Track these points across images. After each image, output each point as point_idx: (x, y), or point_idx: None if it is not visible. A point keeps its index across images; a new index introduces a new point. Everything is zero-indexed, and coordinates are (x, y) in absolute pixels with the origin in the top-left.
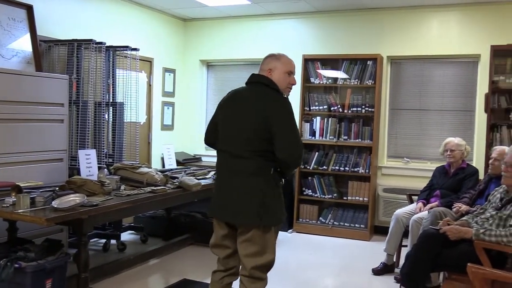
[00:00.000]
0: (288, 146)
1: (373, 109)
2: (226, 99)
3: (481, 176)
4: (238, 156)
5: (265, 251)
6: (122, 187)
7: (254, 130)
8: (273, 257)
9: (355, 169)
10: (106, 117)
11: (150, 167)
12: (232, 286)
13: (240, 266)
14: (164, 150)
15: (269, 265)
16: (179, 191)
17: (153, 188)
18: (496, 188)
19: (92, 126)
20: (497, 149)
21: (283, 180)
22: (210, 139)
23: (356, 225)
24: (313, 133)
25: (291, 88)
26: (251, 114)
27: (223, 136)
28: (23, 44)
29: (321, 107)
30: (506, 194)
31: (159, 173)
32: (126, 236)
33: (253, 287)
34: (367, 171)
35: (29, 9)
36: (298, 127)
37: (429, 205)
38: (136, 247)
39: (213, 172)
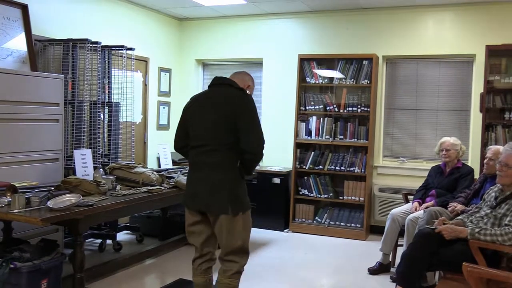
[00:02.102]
0: (253, 139)
1: (368, 109)
2: (193, 101)
3: (477, 175)
4: (210, 149)
5: (235, 237)
6: (118, 187)
7: (223, 125)
8: (242, 242)
9: (351, 169)
10: (102, 116)
11: (146, 167)
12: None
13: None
14: (160, 150)
15: (240, 250)
16: (175, 191)
17: (149, 188)
18: (491, 187)
19: (87, 126)
20: (492, 148)
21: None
22: (180, 143)
23: (352, 224)
24: (309, 133)
25: None
26: (220, 110)
27: (195, 133)
28: (18, 43)
29: (316, 107)
30: (501, 193)
31: (155, 173)
32: (122, 236)
33: (227, 269)
34: (362, 170)
35: (24, 8)
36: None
37: (424, 205)
38: (132, 247)
39: None
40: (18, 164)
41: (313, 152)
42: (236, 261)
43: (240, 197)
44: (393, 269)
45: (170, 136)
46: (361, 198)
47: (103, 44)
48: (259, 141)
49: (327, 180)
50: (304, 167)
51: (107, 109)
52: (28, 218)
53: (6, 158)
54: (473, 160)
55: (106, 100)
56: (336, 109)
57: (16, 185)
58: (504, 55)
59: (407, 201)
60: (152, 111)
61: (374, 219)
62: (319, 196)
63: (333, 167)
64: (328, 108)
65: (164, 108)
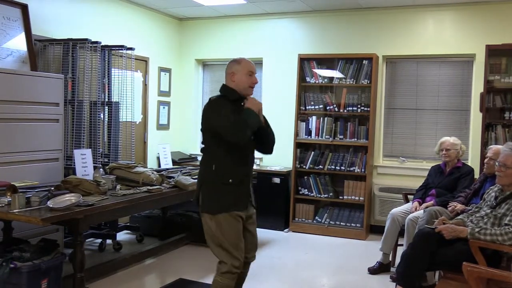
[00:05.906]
0: (223, 130)
1: (368, 109)
2: None
3: (477, 175)
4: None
5: (207, 236)
6: (118, 186)
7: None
8: (212, 243)
9: (351, 169)
10: (102, 116)
11: (146, 167)
12: None
13: None
14: (160, 150)
15: (216, 250)
16: (175, 191)
17: (148, 187)
18: (491, 187)
19: (87, 126)
20: (492, 148)
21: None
22: None
23: (352, 224)
24: (309, 133)
25: (253, 87)
26: None
27: None
28: (18, 43)
29: (316, 107)
30: (501, 193)
31: (155, 172)
32: (122, 235)
33: (219, 267)
34: (362, 170)
35: (24, 8)
36: (224, 115)
37: (424, 204)
38: (132, 247)
39: None
40: (18, 164)
41: (313, 152)
42: (225, 261)
43: (205, 197)
44: (393, 269)
45: (170, 136)
46: (361, 198)
47: (103, 44)
48: (226, 131)
49: (327, 179)
50: (304, 166)
51: (107, 109)
52: (28, 218)
53: (6, 158)
54: (473, 160)
55: (106, 100)
56: (336, 109)
57: (16, 185)
58: (504, 55)
59: (407, 200)
60: (152, 111)
61: (374, 218)
62: (319, 195)
63: (333, 166)
64: (328, 107)
65: (164, 108)
